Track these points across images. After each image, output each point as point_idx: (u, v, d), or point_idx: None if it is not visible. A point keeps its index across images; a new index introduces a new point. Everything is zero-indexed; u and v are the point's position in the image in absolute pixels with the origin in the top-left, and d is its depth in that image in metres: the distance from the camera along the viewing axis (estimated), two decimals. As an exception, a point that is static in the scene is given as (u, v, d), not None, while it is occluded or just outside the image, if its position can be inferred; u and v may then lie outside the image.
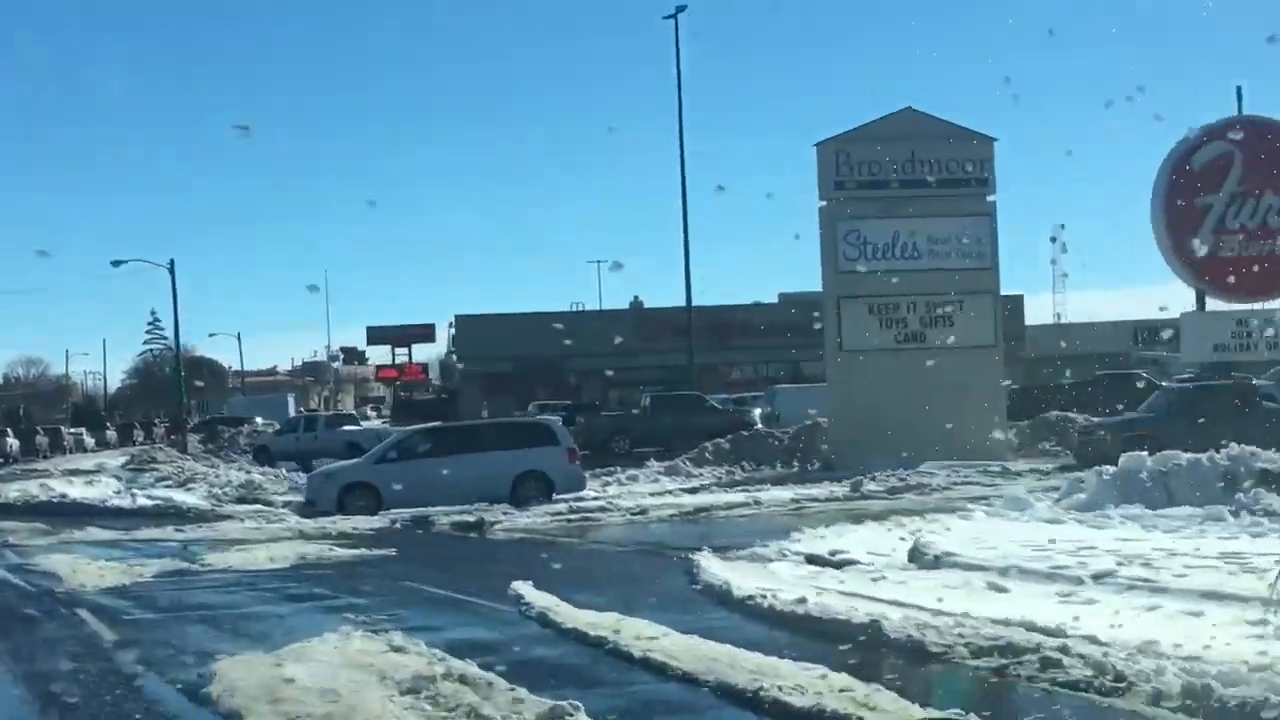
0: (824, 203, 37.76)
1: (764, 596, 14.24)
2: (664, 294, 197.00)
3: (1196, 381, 37.28)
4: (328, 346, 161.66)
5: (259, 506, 33.62)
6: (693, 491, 31.95)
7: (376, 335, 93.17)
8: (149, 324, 64.96)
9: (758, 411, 53.69)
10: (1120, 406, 37.13)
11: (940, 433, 34.18)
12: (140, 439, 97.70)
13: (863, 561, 17.56)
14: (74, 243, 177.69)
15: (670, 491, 30.71)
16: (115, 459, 73.63)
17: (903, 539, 19.24)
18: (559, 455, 30.54)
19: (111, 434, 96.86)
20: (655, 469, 37.17)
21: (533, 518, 27.03)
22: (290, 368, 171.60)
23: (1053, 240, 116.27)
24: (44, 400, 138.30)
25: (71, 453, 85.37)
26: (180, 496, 37.26)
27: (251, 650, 11.74)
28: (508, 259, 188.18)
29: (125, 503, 35.16)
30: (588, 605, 14.12)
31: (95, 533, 26.96)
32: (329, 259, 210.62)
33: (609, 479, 34.62)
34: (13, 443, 75.51)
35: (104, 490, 42.48)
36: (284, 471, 42.77)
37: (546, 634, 13.01)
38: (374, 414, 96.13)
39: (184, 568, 20.11)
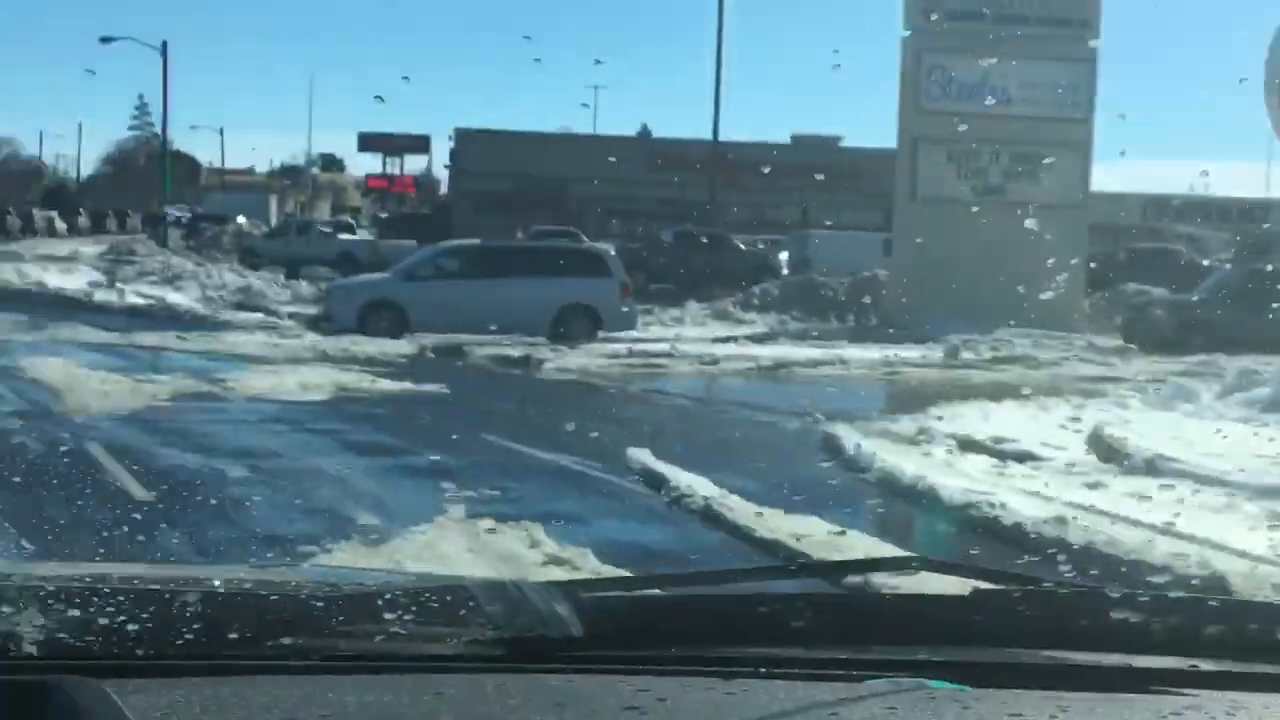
0: (908, 32, 33.78)
1: (991, 506, 10.86)
2: (672, 125, 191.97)
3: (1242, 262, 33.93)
4: (307, 152, 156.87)
5: (260, 316, 30.09)
6: (758, 340, 28.49)
7: (369, 142, 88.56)
8: (136, 108, 61.29)
9: (783, 256, 50.13)
10: (1173, 286, 33.81)
11: (1013, 298, 30.80)
12: (114, 229, 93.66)
13: (1040, 454, 14.24)
14: (56, 19, 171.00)
15: (734, 339, 27.19)
16: (91, 247, 69.71)
17: (1063, 426, 15.88)
18: (611, 289, 27.03)
19: (84, 221, 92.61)
20: (698, 310, 33.71)
21: (586, 357, 23.59)
22: (269, 170, 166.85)
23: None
24: (14, 181, 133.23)
25: (43, 236, 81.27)
26: (171, 296, 33.64)
27: (354, 546, 8.28)
28: (507, 76, 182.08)
29: (111, 298, 31.51)
30: (740, 492, 10.76)
31: (85, 332, 23.43)
32: (318, 58, 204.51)
33: (647, 318, 31.10)
34: (-16, 221, 71.43)
35: (83, 281, 38.84)
36: (281, 278, 39.08)
37: (730, 542, 9.62)
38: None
39: (205, 390, 16.62)
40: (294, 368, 19.60)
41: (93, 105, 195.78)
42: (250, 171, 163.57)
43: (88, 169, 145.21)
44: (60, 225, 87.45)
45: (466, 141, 79.50)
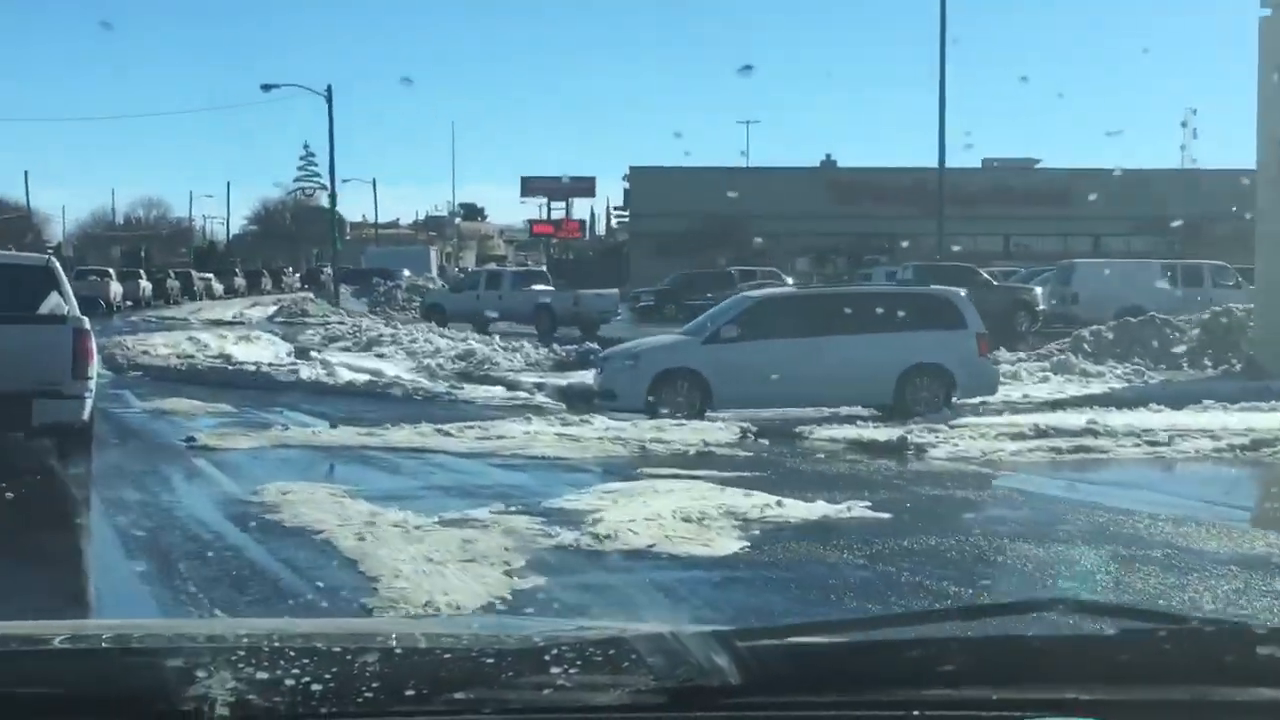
0: (1267, 11, 27.16)
1: None
2: (856, 153, 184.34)
3: None
4: (450, 201, 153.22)
5: (503, 390, 24.18)
6: (1121, 399, 21.97)
7: (532, 186, 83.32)
8: (302, 158, 56.89)
9: (1038, 290, 43.40)
10: None
11: None
12: (268, 287, 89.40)
13: None
14: (194, 84, 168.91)
15: (1147, 406, 20.52)
16: (255, 309, 64.89)
17: None
18: (967, 343, 20.64)
19: (240, 281, 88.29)
20: (1028, 361, 27.28)
21: (980, 438, 17.25)
22: (413, 221, 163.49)
23: None
24: (163, 243, 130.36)
25: (201, 299, 76.90)
26: (382, 367, 27.88)
27: None
28: (661, 115, 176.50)
29: (318, 374, 25.72)
30: None
31: (316, 428, 17.59)
32: (457, 109, 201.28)
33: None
34: (145, 285, 66.89)
35: (270, 351, 33.29)
36: (496, 340, 33.18)
37: None
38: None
39: (569, 543, 10.45)
40: (632, 482, 13.45)
41: (241, 161, 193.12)
42: (395, 224, 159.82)
43: (232, 228, 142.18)
44: (217, 287, 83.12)
45: (641, 180, 73.76)
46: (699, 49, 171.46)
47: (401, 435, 17.25)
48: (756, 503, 12.21)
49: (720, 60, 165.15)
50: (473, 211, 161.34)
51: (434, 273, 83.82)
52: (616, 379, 20.52)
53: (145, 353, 30.98)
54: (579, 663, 1.75)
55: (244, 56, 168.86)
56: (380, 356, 32.07)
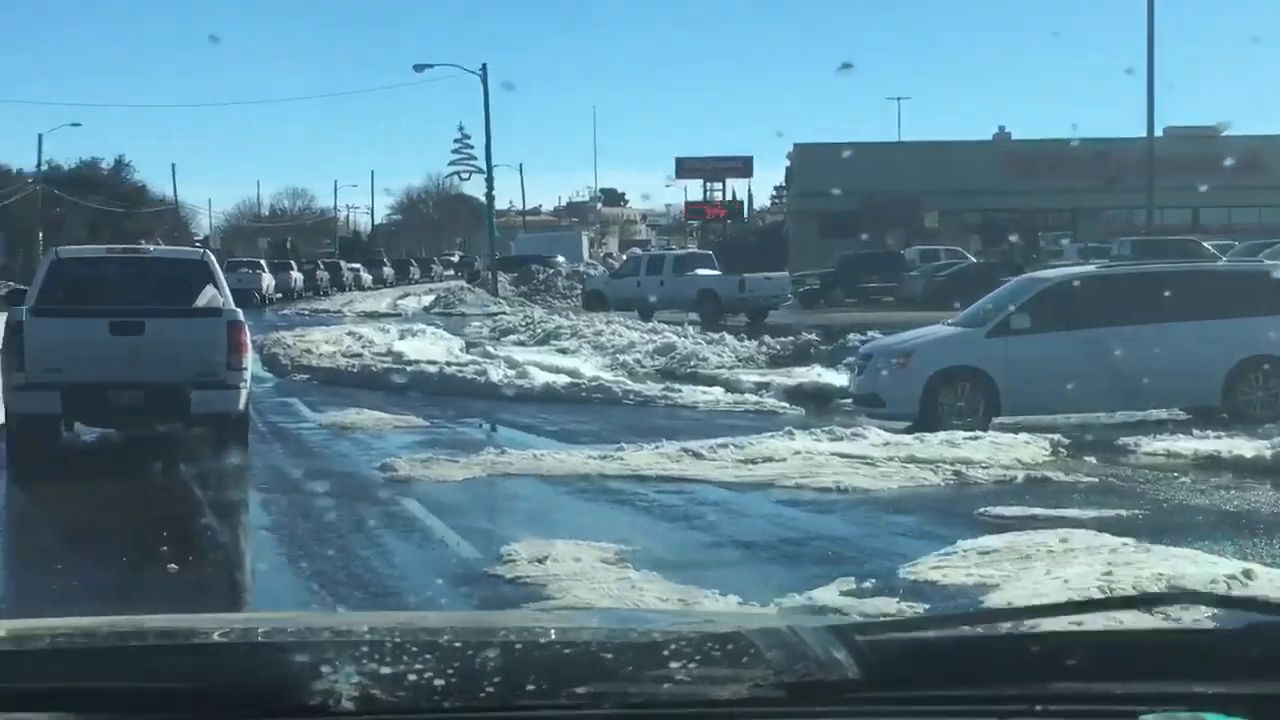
0: None
1: None
2: (1029, 125, 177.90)
3: None
4: (590, 187, 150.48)
5: (719, 391, 20.69)
6: None
7: (687, 167, 79.52)
8: (456, 140, 54.02)
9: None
10: None
11: None
12: (416, 276, 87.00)
13: None
14: (337, 66, 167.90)
15: None
16: (409, 300, 62.20)
17: None
18: (1309, 329, 16.76)
19: (388, 271, 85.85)
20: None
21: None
22: (555, 207, 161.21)
23: None
24: (307, 233, 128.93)
25: (350, 290, 74.50)
26: (575, 365, 24.53)
27: None
28: (807, 90, 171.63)
29: (506, 375, 22.30)
30: None
31: (543, 453, 13.94)
32: (596, 94, 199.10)
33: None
34: (296, 277, 64.50)
35: (441, 347, 30.08)
36: (689, 328, 29.65)
37: None
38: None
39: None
40: (992, 536, 9.77)
41: (382, 153, 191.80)
42: (538, 210, 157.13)
43: (376, 217, 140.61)
44: (366, 277, 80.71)
45: (805, 158, 69.66)
46: (850, 24, 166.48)
47: (644, 458, 13.75)
48: (1204, 572, 8.51)
49: (875, 34, 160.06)
50: (613, 197, 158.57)
51: (586, 258, 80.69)
52: (882, 380, 16.84)
53: (308, 351, 27.94)
54: (698, 657, 1.73)
55: (366, 45, 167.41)
56: (563, 352, 28.74)
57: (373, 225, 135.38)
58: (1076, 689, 1.75)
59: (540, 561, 8.86)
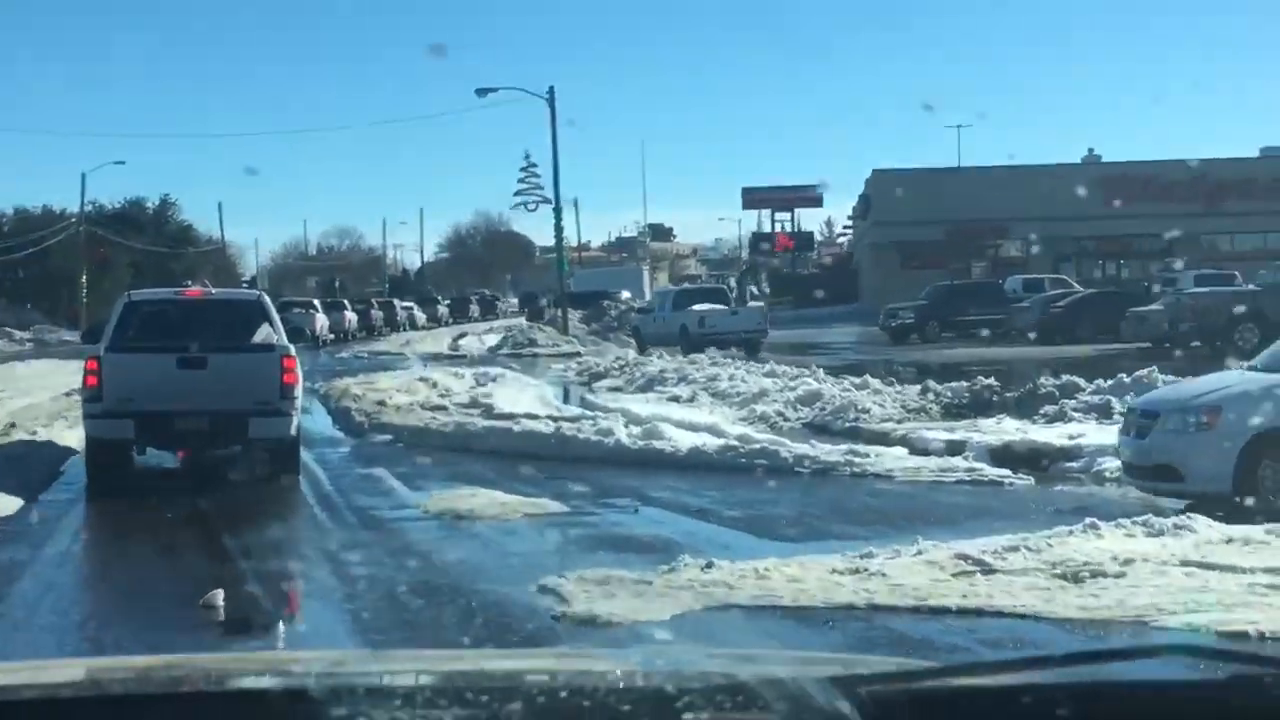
0: None
1: None
2: (1121, 148, 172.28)
3: None
4: (637, 222, 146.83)
5: (903, 452, 16.42)
6: None
7: (754, 197, 75.38)
8: (523, 169, 50.34)
9: None
10: None
11: None
12: (476, 314, 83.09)
13: None
14: (379, 98, 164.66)
15: None
16: (467, 339, 58.03)
17: None
18: None
19: (443, 309, 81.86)
20: None
21: None
22: (603, 243, 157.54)
23: None
24: (355, 272, 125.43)
25: (404, 329, 70.54)
26: (706, 419, 20.29)
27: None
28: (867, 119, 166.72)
29: (630, 435, 17.98)
30: None
31: (767, 568, 9.37)
32: (641, 128, 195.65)
33: None
34: (350, 317, 60.51)
35: (531, 395, 25.95)
36: (815, 371, 25.29)
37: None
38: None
39: None
40: None
41: (429, 191, 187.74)
42: (586, 246, 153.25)
43: (424, 255, 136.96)
44: (419, 316, 76.79)
45: (883, 184, 65.37)
46: (910, 49, 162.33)
47: (911, 571, 9.39)
48: None
49: (931, 62, 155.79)
50: (661, 232, 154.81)
51: (648, 294, 76.67)
52: (1178, 446, 12.44)
53: (382, 404, 23.72)
54: (709, 709, 1.75)
55: (407, 79, 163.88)
56: (675, 400, 24.45)
57: (421, 262, 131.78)
58: None
59: None
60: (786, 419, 20.51)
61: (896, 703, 1.81)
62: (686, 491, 14.24)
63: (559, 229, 51.29)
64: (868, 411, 19.76)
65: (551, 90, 50.08)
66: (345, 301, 64.98)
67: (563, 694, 1.82)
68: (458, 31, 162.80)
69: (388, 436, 19.73)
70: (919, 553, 9.93)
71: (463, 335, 61.02)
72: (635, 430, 18.12)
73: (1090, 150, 69.93)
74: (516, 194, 51.72)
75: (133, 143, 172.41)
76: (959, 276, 56.91)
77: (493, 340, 52.70)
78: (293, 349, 15.67)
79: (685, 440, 17.19)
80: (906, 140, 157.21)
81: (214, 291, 18.88)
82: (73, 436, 19.29)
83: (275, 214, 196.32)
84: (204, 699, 1.86)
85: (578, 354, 43.51)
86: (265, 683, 1.99)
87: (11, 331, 65.36)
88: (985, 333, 45.44)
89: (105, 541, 12.84)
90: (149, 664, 2.16)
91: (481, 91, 49.78)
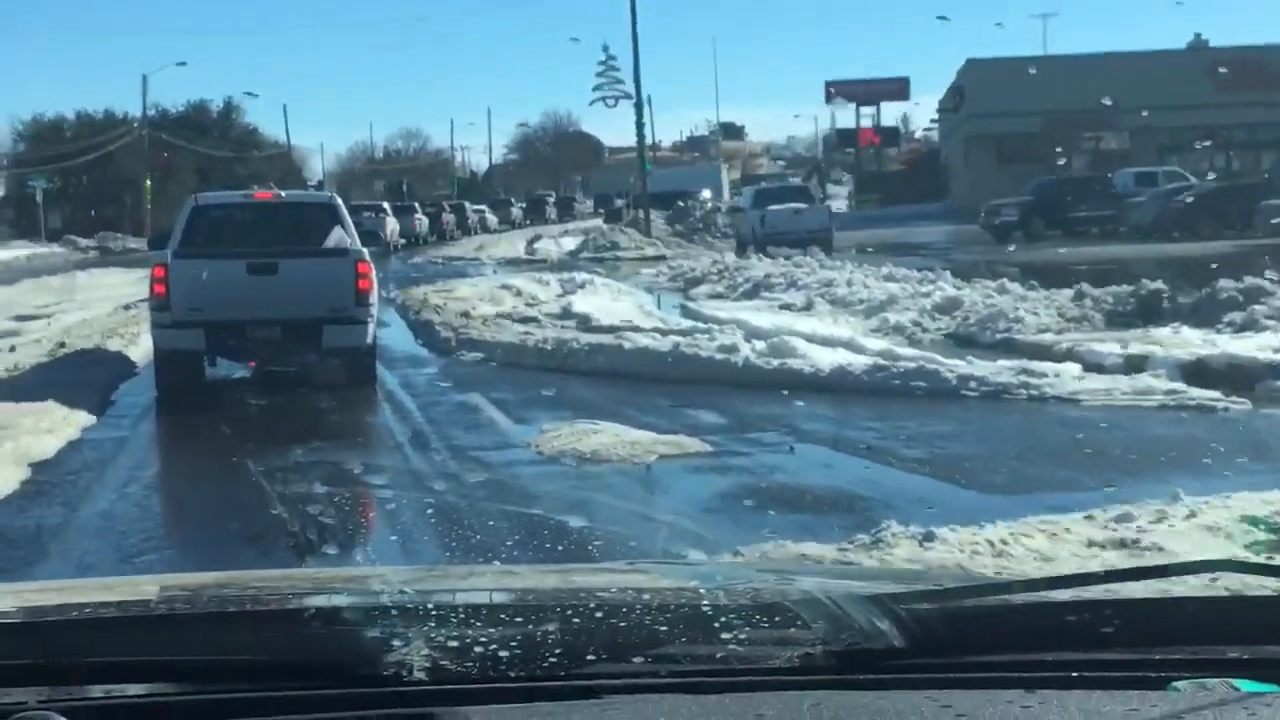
0: None
1: None
2: (1229, 30, 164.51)
3: None
4: (709, 120, 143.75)
5: (1075, 369, 14.08)
6: None
7: (838, 90, 72.28)
8: (601, 62, 48.08)
9: None
10: None
11: None
12: (553, 216, 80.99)
13: None
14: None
15: None
16: (543, 241, 55.91)
17: None
18: None
19: (517, 212, 79.66)
20: None
21: None
22: (674, 142, 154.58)
23: None
24: (422, 175, 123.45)
25: (476, 233, 68.44)
26: (838, 332, 18.04)
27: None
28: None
29: (759, 352, 15.74)
30: None
31: (1028, 537, 7.45)
32: (718, 20, 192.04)
33: None
34: (421, 220, 58.44)
35: (628, 304, 23.92)
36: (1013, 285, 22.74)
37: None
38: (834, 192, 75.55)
39: None
40: None
41: (496, 90, 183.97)
42: (657, 146, 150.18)
43: (489, 156, 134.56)
44: (491, 219, 74.71)
45: (979, 75, 62.06)
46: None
47: (1194, 545, 7.19)
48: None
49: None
50: (732, 130, 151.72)
51: (727, 193, 74.16)
52: None
53: (466, 315, 21.67)
54: (747, 628, 1.78)
55: None
56: (788, 309, 22.14)
57: (490, 164, 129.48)
58: (1115, 657, 1.74)
59: None
60: (925, 329, 18.24)
61: (935, 619, 1.80)
62: (841, 421, 12.05)
63: (640, 125, 48.84)
64: (1020, 321, 17.40)
65: (632, -17, 47.44)
66: (416, 205, 62.83)
67: (600, 616, 1.82)
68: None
69: (478, 354, 17.60)
70: (1191, 514, 7.70)
71: (538, 239, 58.82)
72: (760, 346, 15.89)
73: (1197, 35, 66.21)
74: (595, 88, 49.20)
75: (196, 42, 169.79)
76: (1058, 171, 53.99)
77: (571, 244, 50.51)
78: (367, 253, 14.84)
79: (823, 358, 14.93)
80: (990, 34, 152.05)
81: (284, 194, 17.76)
82: (135, 352, 17.63)
83: (341, 117, 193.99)
84: (233, 620, 1.91)
85: (663, 257, 41.26)
86: (337, 600, 2.04)
87: (76, 240, 63.89)
88: (1095, 230, 42.81)
89: (171, 487, 10.79)
90: (215, 579, 2.36)
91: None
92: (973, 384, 13.31)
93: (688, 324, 19.41)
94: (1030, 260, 30.83)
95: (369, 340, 14.71)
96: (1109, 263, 26.47)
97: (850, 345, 16.23)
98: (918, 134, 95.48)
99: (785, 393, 13.65)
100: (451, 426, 12.22)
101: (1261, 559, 6.23)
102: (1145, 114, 55.59)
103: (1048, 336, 16.79)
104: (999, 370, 13.79)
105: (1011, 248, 38.90)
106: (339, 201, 16.17)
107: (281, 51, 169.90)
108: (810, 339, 16.36)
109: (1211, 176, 48.81)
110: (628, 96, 49.29)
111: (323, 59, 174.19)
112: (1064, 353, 15.48)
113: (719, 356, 15.07)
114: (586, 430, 11.20)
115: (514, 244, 56.00)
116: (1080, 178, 50.25)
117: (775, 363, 14.54)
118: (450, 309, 22.88)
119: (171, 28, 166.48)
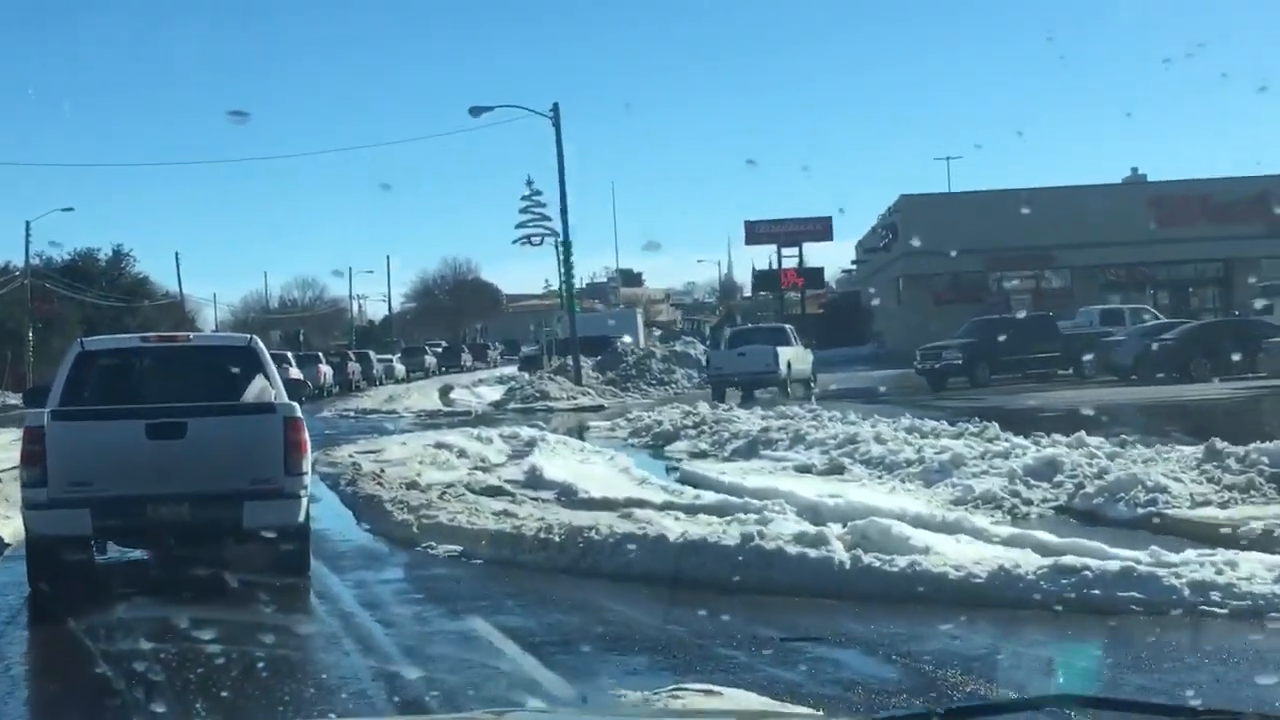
0: None
1: None
2: (1167, 166, 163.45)
3: None
4: (608, 267, 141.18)
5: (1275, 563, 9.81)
6: None
7: (757, 232, 68.90)
8: (525, 197, 44.36)
9: None
10: None
11: None
12: (469, 363, 76.82)
13: None
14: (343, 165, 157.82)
15: None
16: (460, 392, 51.46)
17: None
18: None
19: (431, 359, 75.21)
20: None
21: None
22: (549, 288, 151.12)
23: None
24: (318, 324, 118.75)
25: (382, 383, 63.75)
26: (905, 505, 13.73)
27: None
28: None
29: (848, 545, 11.36)
30: None
31: None
32: (602, 171, 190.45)
33: None
34: (325, 371, 53.64)
35: (603, 469, 19.63)
36: (990, 426, 18.73)
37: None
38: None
39: None
40: None
41: (394, 238, 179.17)
42: (557, 292, 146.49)
43: (389, 304, 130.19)
44: (399, 368, 70.15)
45: (913, 210, 59.01)
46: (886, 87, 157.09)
47: None
48: None
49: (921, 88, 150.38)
50: (630, 277, 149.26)
51: (643, 340, 70.35)
52: None
53: (413, 486, 17.19)
54: None
55: (357, 116, 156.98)
56: (806, 471, 17.83)
57: (390, 312, 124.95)
58: None
59: None
60: (1025, 501, 13.95)
61: None
62: (1066, 672, 7.66)
63: (569, 265, 44.80)
64: (1164, 490, 13.16)
65: (556, 108, 43.68)
66: (320, 354, 58.08)
67: None
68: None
69: (453, 547, 12.94)
70: None
71: (450, 389, 54.34)
72: (838, 530, 11.51)
73: (1134, 169, 63.91)
74: (518, 225, 45.27)
75: (83, 191, 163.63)
76: (998, 310, 50.64)
77: (491, 394, 46.08)
78: (298, 408, 11.84)
79: (954, 552, 10.56)
80: (896, 175, 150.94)
81: (192, 337, 14.85)
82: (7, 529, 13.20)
83: (234, 267, 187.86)
84: None
85: (602, 407, 37.01)
86: None
87: (-53, 396, 58.18)
88: (1040, 373, 39.27)
89: None
90: None
91: (475, 110, 43.30)
92: (1215, 595, 8.99)
93: (711, 497, 14.97)
94: (990, 407, 26.27)
95: (301, 518, 11.57)
96: (1105, 410, 22.06)
97: (959, 528, 11.88)
98: (828, 278, 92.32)
99: (920, 608, 9.30)
100: (459, 697, 7.57)
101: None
102: (1054, 264, 52.60)
103: (1210, 511, 12.59)
104: (1251, 578, 9.45)
105: (946, 395, 35.20)
106: (260, 345, 12.80)
107: (171, 198, 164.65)
108: (915, 522, 11.97)
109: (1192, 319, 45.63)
110: (554, 234, 45.18)
111: (212, 207, 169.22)
112: (1256, 539, 11.26)
113: (811, 553, 10.60)
114: (699, 704, 6.66)
115: (427, 395, 51.43)
116: (1021, 318, 46.54)
117: (901, 562, 10.10)
118: (390, 476, 18.35)
119: (56, 175, 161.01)
